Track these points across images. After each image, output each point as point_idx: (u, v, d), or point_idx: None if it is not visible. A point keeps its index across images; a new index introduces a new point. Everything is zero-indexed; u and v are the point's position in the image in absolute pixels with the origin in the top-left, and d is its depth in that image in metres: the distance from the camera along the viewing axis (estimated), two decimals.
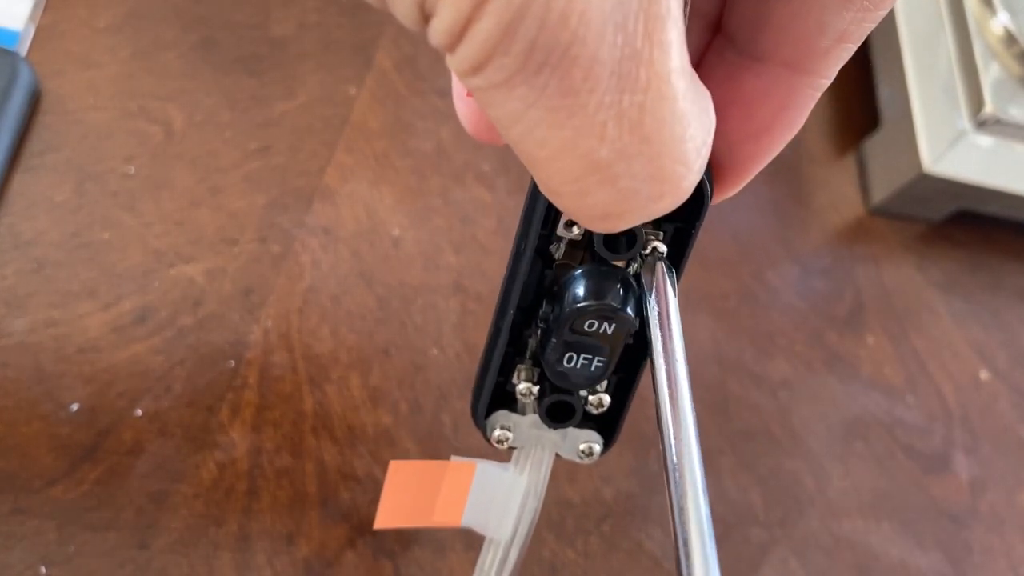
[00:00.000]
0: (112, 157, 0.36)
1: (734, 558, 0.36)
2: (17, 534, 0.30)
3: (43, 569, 0.29)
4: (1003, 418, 0.44)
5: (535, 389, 0.21)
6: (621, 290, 0.19)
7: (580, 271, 0.19)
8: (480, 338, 0.37)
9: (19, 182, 0.35)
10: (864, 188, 0.48)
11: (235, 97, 0.39)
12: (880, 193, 0.47)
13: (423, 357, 0.36)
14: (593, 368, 0.20)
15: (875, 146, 0.48)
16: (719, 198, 0.20)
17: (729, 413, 0.40)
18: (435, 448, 0.35)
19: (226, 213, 0.37)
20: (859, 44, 0.17)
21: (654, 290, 0.18)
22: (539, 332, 0.20)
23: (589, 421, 0.22)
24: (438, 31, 0.13)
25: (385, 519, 0.22)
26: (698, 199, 0.18)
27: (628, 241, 0.19)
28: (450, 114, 0.42)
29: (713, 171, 0.19)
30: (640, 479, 0.36)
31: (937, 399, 0.43)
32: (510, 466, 0.23)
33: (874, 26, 0.17)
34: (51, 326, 0.33)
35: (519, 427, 0.22)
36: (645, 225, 0.19)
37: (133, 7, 0.40)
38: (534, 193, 0.19)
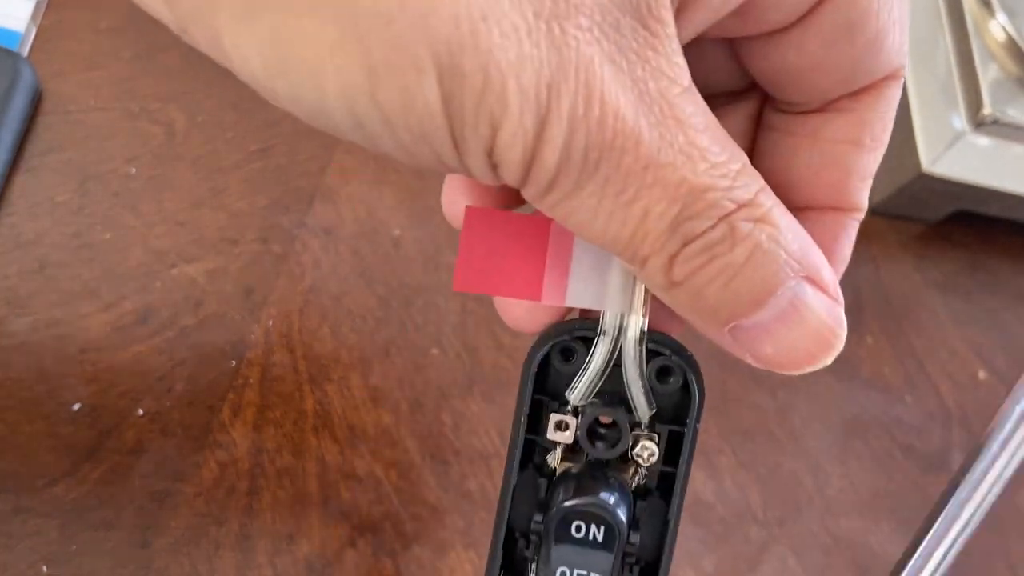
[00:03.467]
0: (114, 158, 0.36)
1: (733, 557, 0.37)
2: (19, 533, 0.30)
3: (45, 568, 0.29)
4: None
5: None
6: (611, 493, 0.18)
7: (570, 473, 0.19)
8: (480, 338, 0.37)
9: (21, 182, 0.35)
10: None
11: (236, 98, 0.39)
12: (879, 193, 0.47)
13: (423, 357, 0.36)
14: None
15: None
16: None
17: (729, 413, 0.40)
18: (435, 448, 0.35)
19: (227, 213, 0.37)
20: (872, 176, 0.20)
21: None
22: (533, 549, 0.19)
23: None
24: (510, 172, 0.15)
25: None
26: (685, 398, 0.18)
27: (614, 437, 0.19)
28: None
29: None
30: None
31: (935, 399, 0.43)
32: None
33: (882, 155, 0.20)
34: (53, 326, 0.33)
35: None
36: (636, 428, 0.19)
37: (135, 8, 0.40)
38: (521, 398, 0.18)
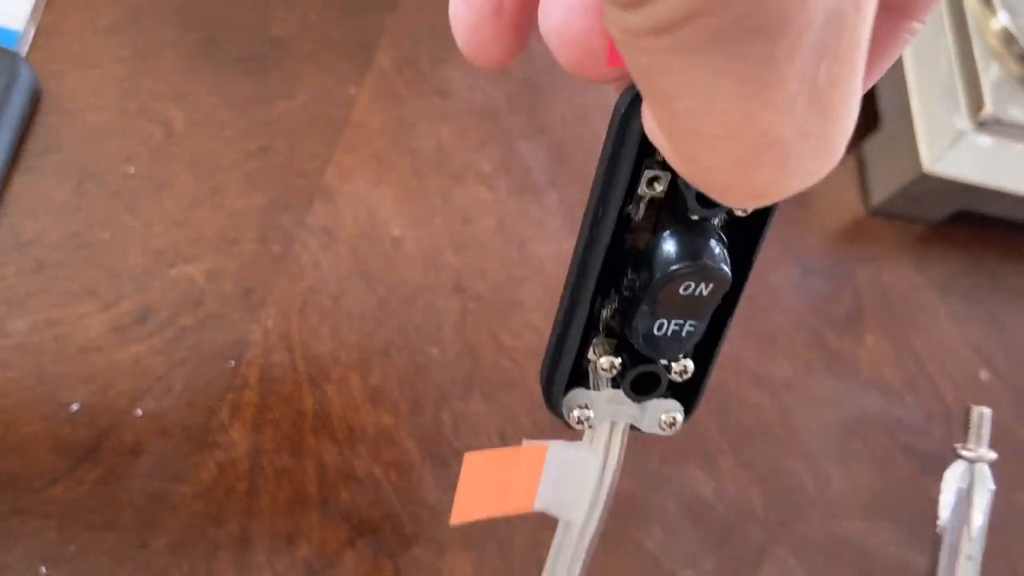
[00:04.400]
0: (112, 157, 0.36)
1: (734, 558, 0.36)
2: (17, 534, 0.30)
3: (43, 569, 0.29)
4: (1002, 418, 0.44)
5: (617, 362, 0.19)
6: (716, 247, 0.18)
7: (669, 231, 0.18)
8: (481, 338, 0.37)
9: (19, 182, 0.35)
10: (864, 188, 0.48)
11: (235, 97, 0.39)
12: (880, 193, 0.47)
13: (423, 357, 0.36)
14: (684, 333, 0.18)
15: (875, 146, 0.48)
16: None
17: (729, 413, 0.40)
18: (435, 448, 0.35)
19: (226, 213, 0.37)
20: None
21: None
22: (621, 301, 0.19)
23: (669, 390, 0.20)
24: None
25: (460, 514, 0.20)
26: None
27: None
28: (450, 114, 0.42)
29: None
30: (641, 479, 0.37)
31: (936, 399, 0.43)
32: (582, 444, 0.22)
33: None
34: (51, 326, 0.33)
35: (596, 404, 0.20)
36: None
37: (133, 7, 0.40)
38: (616, 151, 0.17)
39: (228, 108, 0.38)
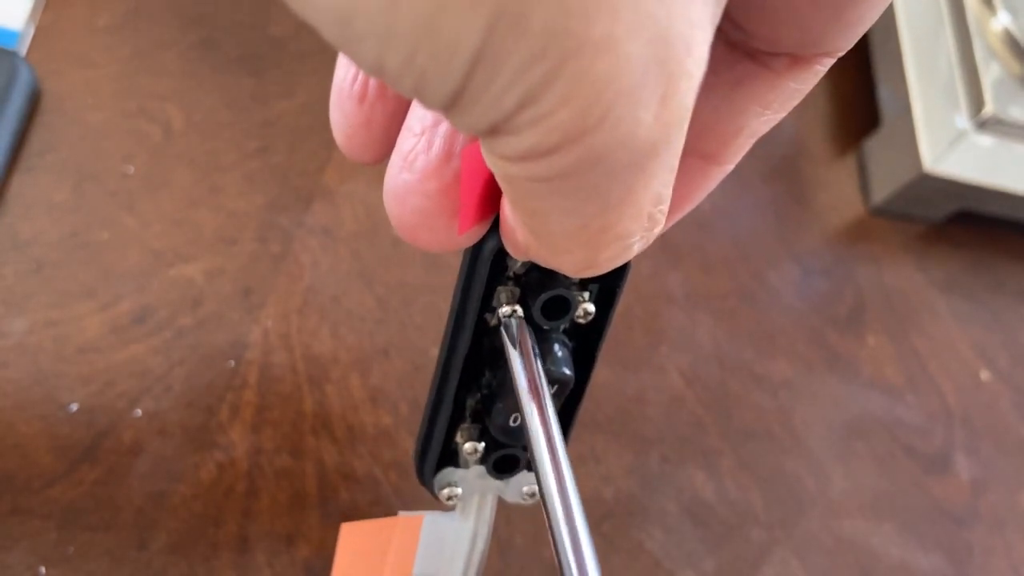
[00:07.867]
0: (111, 157, 0.36)
1: (734, 558, 0.36)
2: (16, 534, 0.29)
3: (43, 569, 0.29)
4: (1004, 418, 0.44)
5: (480, 447, 0.22)
6: (560, 351, 0.21)
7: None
8: None
9: (18, 182, 0.35)
10: (864, 188, 0.48)
11: (235, 96, 0.39)
12: (880, 193, 0.47)
13: (423, 357, 0.36)
14: None
15: (875, 146, 0.48)
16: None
17: (730, 413, 0.40)
18: None
19: (225, 213, 0.36)
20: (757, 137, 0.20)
21: (518, 347, 0.20)
22: (482, 396, 0.22)
23: (527, 467, 0.23)
24: (497, 105, 0.11)
25: None
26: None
27: (562, 308, 0.20)
28: None
29: None
30: (640, 479, 0.36)
31: (938, 399, 0.43)
32: (455, 514, 0.24)
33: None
34: (50, 326, 0.33)
35: (465, 481, 0.23)
36: (573, 287, 0.20)
37: (133, 6, 0.40)
38: (471, 272, 0.20)
39: (227, 108, 0.38)
